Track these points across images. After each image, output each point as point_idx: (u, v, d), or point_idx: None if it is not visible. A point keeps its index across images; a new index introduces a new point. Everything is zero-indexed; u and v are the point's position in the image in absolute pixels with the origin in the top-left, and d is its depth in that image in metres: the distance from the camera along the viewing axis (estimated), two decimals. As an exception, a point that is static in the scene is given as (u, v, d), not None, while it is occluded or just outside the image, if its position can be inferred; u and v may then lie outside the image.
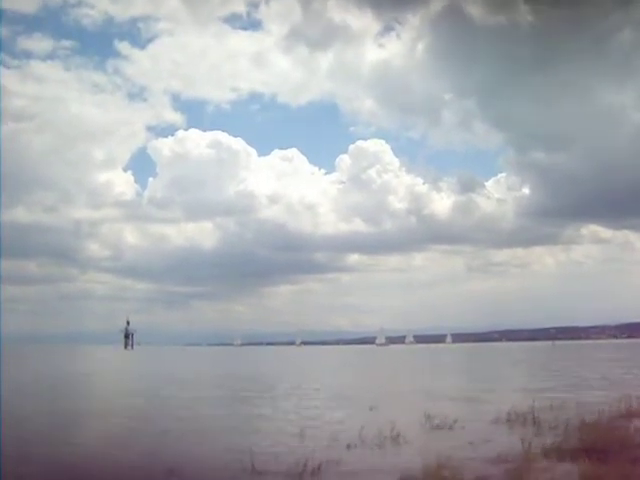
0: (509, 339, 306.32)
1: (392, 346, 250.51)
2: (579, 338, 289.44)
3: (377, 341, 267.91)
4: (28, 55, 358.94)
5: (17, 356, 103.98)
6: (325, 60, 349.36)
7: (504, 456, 12.98)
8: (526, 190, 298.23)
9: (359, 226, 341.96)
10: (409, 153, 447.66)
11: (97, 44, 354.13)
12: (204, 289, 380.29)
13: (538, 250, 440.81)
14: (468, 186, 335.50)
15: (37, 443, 16.30)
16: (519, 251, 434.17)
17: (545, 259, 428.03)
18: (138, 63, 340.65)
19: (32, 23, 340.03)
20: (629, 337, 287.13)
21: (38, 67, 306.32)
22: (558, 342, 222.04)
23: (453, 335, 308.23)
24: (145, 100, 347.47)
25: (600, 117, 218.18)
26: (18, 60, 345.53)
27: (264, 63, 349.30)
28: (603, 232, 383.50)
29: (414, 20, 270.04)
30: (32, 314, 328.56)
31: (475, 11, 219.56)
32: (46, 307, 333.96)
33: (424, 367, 69.54)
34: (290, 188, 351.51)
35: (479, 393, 30.45)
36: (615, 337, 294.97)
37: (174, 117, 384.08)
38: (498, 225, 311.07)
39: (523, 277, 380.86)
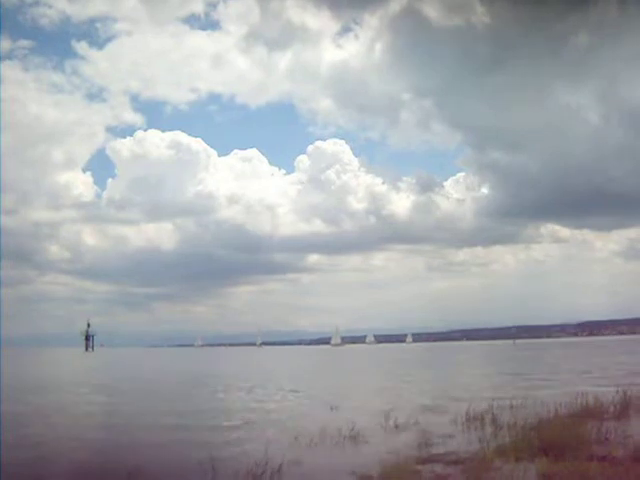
0: (470, 338, 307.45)
1: (348, 346, 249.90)
2: (540, 337, 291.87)
3: (332, 341, 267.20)
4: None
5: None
6: (283, 60, 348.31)
7: (462, 455, 13.10)
8: (485, 190, 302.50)
9: (319, 227, 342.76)
10: (368, 153, 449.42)
11: (55, 44, 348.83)
12: (164, 290, 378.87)
13: (498, 249, 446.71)
14: (427, 186, 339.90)
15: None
16: (479, 250, 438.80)
17: (505, 258, 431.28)
18: (96, 63, 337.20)
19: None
20: (589, 335, 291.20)
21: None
22: (519, 341, 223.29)
23: (414, 335, 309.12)
24: (104, 100, 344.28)
25: (558, 118, 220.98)
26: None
27: (223, 63, 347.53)
28: (562, 231, 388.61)
29: (372, 21, 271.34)
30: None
31: (432, 12, 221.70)
32: (5, 309, 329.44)
33: (378, 366, 69.70)
34: (250, 189, 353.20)
35: (437, 393, 30.57)
36: (576, 335, 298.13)
37: (133, 118, 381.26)
38: (458, 225, 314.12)
39: (483, 276, 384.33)
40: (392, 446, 14.87)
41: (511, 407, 20.37)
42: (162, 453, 15.30)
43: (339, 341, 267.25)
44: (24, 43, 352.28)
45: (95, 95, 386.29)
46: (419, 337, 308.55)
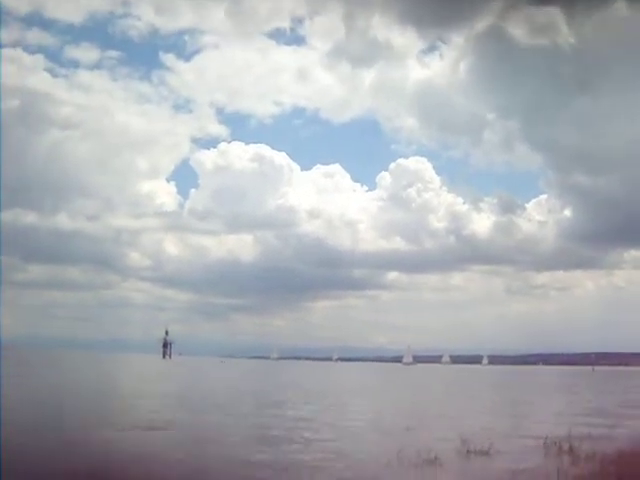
0: (547, 363, 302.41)
1: (421, 365, 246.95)
2: (619, 364, 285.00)
3: (404, 360, 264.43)
4: (75, 64, 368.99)
5: (55, 360, 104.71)
6: (368, 77, 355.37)
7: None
8: (567, 213, 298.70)
9: (399, 244, 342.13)
10: (450, 172, 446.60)
11: (143, 55, 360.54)
12: (243, 301, 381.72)
13: (579, 274, 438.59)
14: (508, 207, 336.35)
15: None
16: (559, 274, 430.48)
17: (586, 283, 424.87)
18: (183, 75, 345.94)
19: (79, 33, 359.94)
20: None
21: (85, 76, 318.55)
22: (598, 368, 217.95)
23: (490, 357, 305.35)
24: (190, 112, 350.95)
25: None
26: (65, 69, 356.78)
27: (307, 78, 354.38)
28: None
29: (457, 39, 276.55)
30: (72, 320, 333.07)
31: (518, 32, 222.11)
32: (86, 313, 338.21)
33: (454, 387, 68.81)
34: (331, 204, 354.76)
35: (514, 418, 30.26)
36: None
37: (218, 129, 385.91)
38: (538, 247, 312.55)
39: (563, 300, 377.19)
40: (467, 472, 14.81)
41: (590, 437, 20.03)
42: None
43: (410, 360, 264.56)
44: (113, 54, 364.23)
45: (181, 106, 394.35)
46: (495, 359, 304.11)
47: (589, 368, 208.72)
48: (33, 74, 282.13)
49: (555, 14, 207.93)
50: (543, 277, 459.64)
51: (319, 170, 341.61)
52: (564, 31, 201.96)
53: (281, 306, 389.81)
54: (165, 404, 32.97)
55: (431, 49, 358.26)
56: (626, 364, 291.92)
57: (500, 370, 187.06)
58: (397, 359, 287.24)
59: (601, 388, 71.66)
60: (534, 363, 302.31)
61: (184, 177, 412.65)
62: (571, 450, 17.35)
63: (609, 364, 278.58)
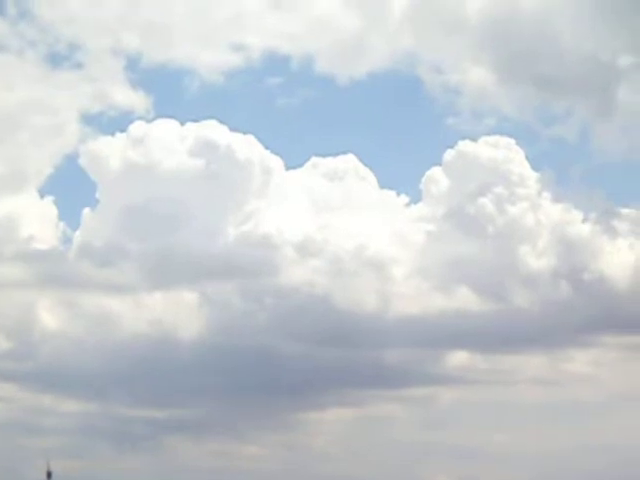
0: None
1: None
2: None
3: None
4: None
5: None
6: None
7: None
8: None
9: (467, 300, 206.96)
10: (556, 164, 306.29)
11: None
12: (184, 414, 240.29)
13: None
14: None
15: None
16: None
17: None
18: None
19: None
20: None
21: None
22: None
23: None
24: (78, 66, 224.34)
25: None
26: None
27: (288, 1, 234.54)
28: None
29: None
30: None
31: None
32: None
33: None
34: (340, 229, 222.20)
35: None
36: None
37: (130, 97, 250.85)
38: None
39: None
40: None
41: None
42: None
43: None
44: None
45: (61, 57, 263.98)
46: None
47: None
48: None
49: None
50: None
51: (318, 167, 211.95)
52: None
53: (255, 421, 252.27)
54: None
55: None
56: None
57: None
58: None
59: None
60: None
61: (70, 187, 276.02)
62: None
63: None
